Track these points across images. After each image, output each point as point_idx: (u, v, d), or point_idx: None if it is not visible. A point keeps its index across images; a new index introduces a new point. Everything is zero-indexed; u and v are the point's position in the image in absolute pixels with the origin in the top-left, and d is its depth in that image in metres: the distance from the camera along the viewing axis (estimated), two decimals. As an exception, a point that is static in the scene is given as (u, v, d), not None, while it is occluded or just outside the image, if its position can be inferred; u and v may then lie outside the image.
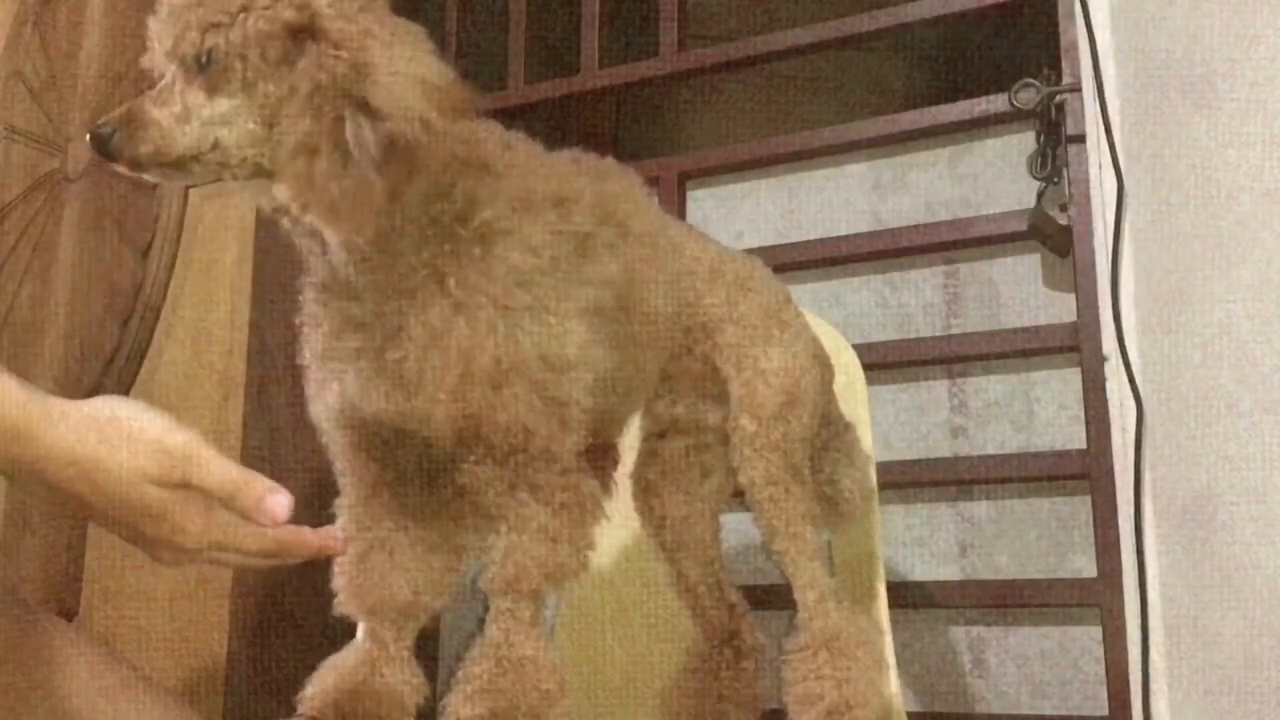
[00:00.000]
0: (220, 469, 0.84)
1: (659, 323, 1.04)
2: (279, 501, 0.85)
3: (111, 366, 1.70)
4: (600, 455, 1.05)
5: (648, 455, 1.20)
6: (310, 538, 0.89)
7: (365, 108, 0.80)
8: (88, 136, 0.83)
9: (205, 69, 0.82)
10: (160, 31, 0.84)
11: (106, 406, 0.83)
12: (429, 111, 0.82)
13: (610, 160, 1.05)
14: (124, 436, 0.81)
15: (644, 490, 1.20)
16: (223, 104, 0.82)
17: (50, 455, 0.80)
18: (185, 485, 0.82)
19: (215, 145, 0.83)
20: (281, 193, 0.83)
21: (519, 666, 0.89)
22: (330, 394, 0.92)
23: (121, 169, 0.84)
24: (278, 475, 1.61)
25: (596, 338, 0.93)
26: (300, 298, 0.94)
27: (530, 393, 0.88)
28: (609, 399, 0.99)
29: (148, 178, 0.86)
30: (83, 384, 1.72)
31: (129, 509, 0.81)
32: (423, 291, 0.87)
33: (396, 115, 0.81)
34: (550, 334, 0.89)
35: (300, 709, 0.94)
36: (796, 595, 1.06)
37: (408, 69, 0.82)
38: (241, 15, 0.81)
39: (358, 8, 0.84)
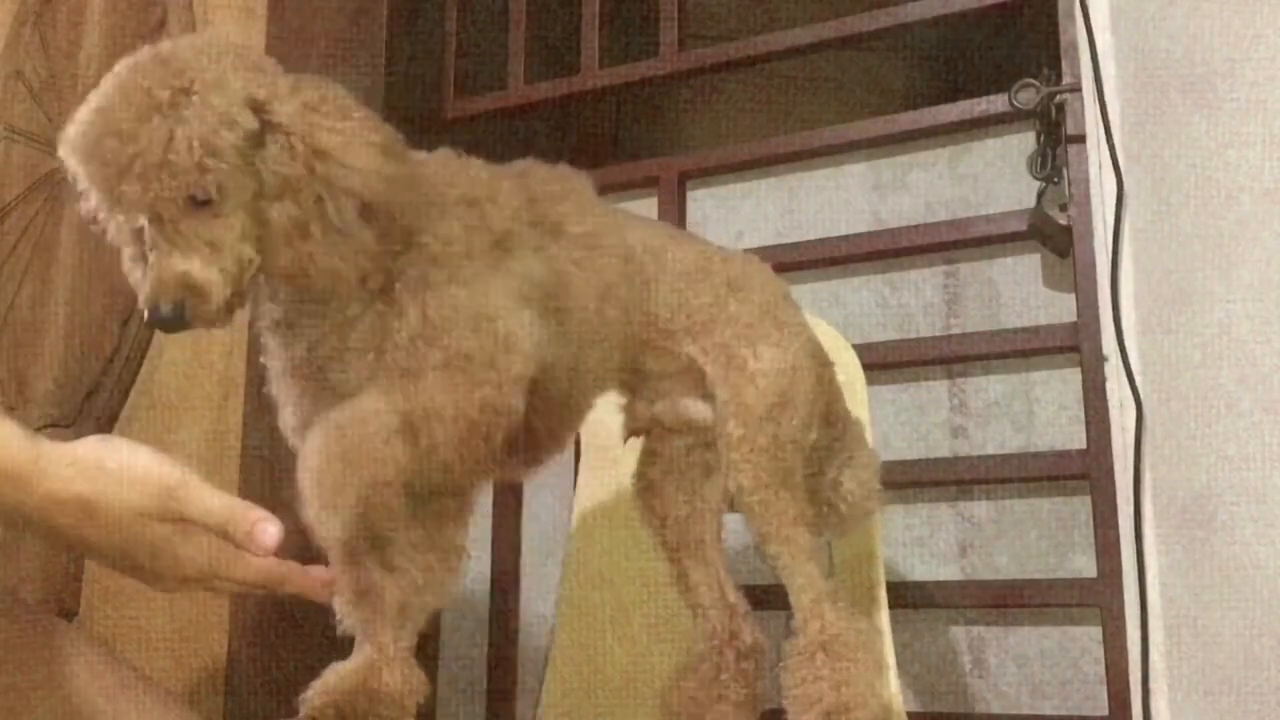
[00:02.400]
0: (212, 500, 0.86)
1: (600, 323, 1.04)
2: (269, 531, 0.87)
3: (111, 366, 1.70)
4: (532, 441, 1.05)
5: (649, 454, 1.19)
6: (299, 576, 0.91)
7: (335, 186, 0.85)
8: (145, 321, 0.84)
9: (207, 200, 0.83)
10: (138, 183, 0.82)
11: (97, 447, 0.85)
12: (384, 167, 0.87)
13: (561, 167, 1.07)
14: (119, 475, 0.83)
15: (646, 489, 1.20)
16: (232, 222, 0.84)
17: (50, 498, 0.81)
18: (181, 518, 0.84)
19: (250, 262, 0.86)
20: (275, 270, 0.87)
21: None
22: (288, 414, 0.96)
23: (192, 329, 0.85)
24: (277, 475, 1.62)
25: (529, 313, 0.95)
26: (261, 338, 0.97)
27: (459, 329, 0.91)
28: (553, 384, 1.00)
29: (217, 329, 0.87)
30: (83, 384, 1.72)
31: (129, 545, 0.83)
32: (359, 319, 0.91)
33: (364, 186, 0.86)
34: (470, 293, 0.92)
35: (301, 710, 0.94)
36: (792, 599, 1.06)
37: (356, 139, 0.87)
38: (212, 136, 0.82)
39: (290, 88, 0.87)
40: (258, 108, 0.85)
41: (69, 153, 0.85)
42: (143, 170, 0.81)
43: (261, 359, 0.97)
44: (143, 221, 0.85)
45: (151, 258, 0.84)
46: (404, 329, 0.90)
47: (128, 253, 0.93)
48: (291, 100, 0.86)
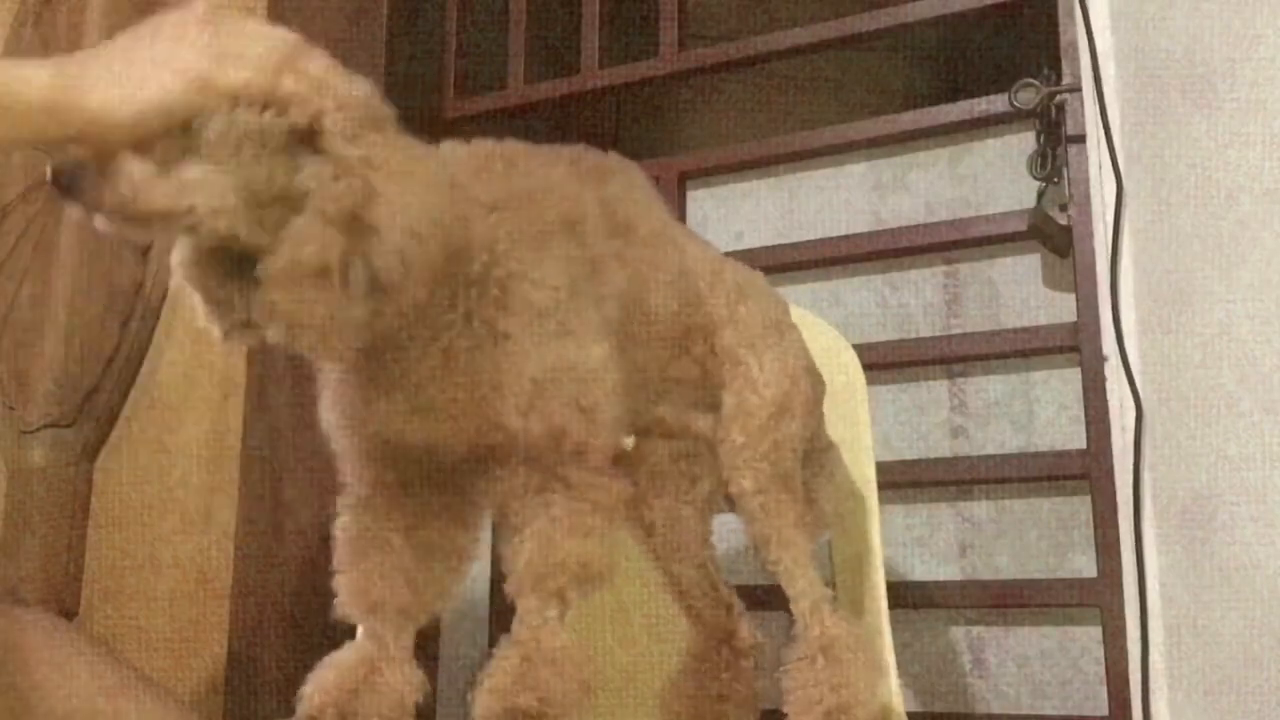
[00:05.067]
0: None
1: (659, 322, 1.04)
2: None
3: (111, 366, 1.70)
4: (622, 456, 1.05)
5: (634, 462, 1.20)
6: None
7: (364, 251, 0.80)
8: (48, 170, 0.79)
9: (194, 131, 0.79)
10: None
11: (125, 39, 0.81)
12: (414, 252, 0.82)
13: (612, 157, 1.06)
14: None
15: (630, 499, 1.20)
16: (206, 169, 0.80)
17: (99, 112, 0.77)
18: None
19: (189, 211, 0.80)
20: (268, 298, 0.81)
21: (551, 660, 0.89)
22: (368, 423, 0.93)
23: (74, 209, 0.80)
24: (277, 475, 1.62)
25: (612, 346, 0.95)
26: None
27: (563, 402, 0.90)
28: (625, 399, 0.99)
29: (99, 222, 0.81)
30: (83, 384, 1.72)
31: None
32: (448, 333, 0.88)
33: (388, 263, 0.81)
34: (578, 348, 0.92)
35: (299, 708, 0.94)
36: (791, 603, 1.06)
37: (406, 205, 0.82)
38: (252, 98, 0.80)
39: (361, 123, 0.82)
40: (318, 123, 0.81)
41: None
42: None
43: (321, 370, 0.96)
44: None
45: None
46: (504, 382, 0.89)
47: None
48: (356, 143, 0.81)
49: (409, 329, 0.88)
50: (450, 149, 0.96)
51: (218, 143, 0.79)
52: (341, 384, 0.94)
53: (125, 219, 0.80)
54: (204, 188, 0.80)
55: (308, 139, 0.81)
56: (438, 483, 0.98)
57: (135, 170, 0.79)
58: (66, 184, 0.79)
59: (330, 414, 0.96)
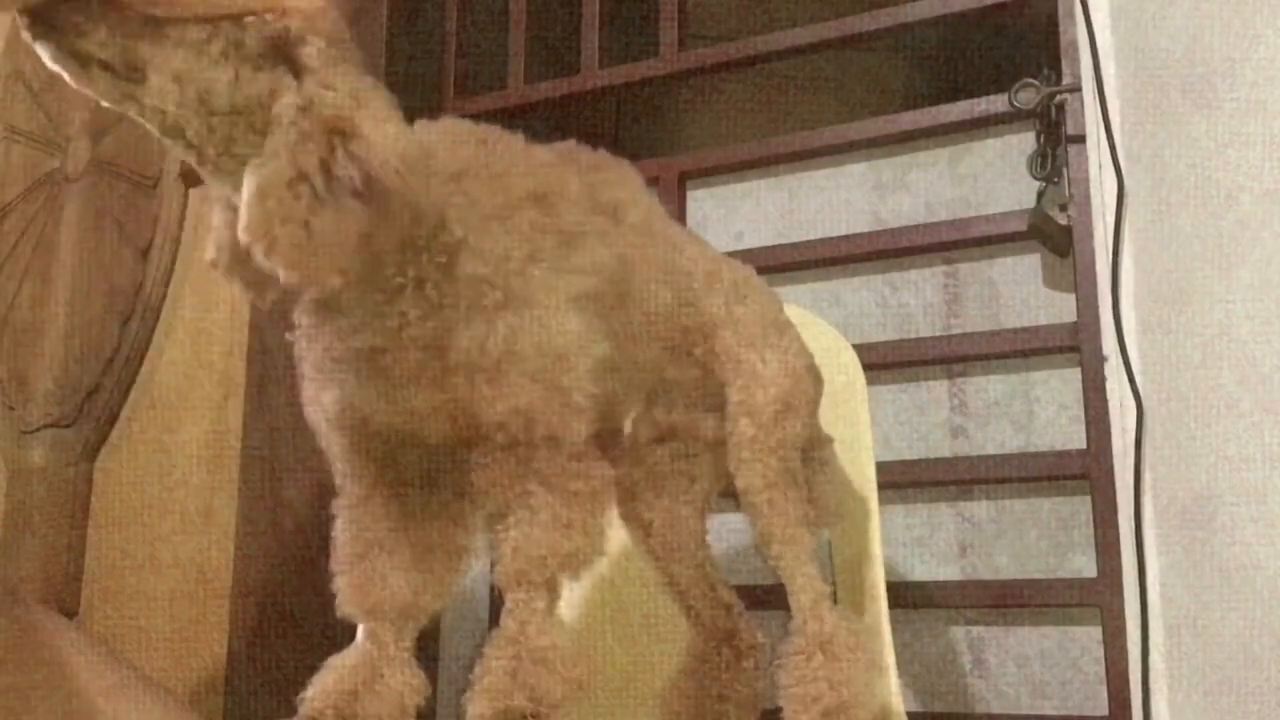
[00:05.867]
0: None
1: (658, 319, 1.04)
2: None
3: (111, 366, 1.70)
4: (610, 441, 1.05)
5: (632, 461, 1.19)
6: None
7: (351, 153, 0.80)
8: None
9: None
10: None
11: None
12: (400, 164, 0.82)
13: (604, 153, 1.05)
14: None
15: (628, 497, 1.20)
16: (165, 41, 0.79)
17: None
18: None
19: (132, 73, 0.79)
20: (245, 223, 0.80)
21: (542, 659, 0.88)
22: (328, 399, 0.93)
23: (24, 25, 0.77)
24: (277, 475, 1.62)
25: (591, 325, 0.94)
26: (295, 315, 0.94)
27: (529, 381, 0.89)
28: (612, 387, 0.99)
29: (42, 50, 0.79)
30: (83, 384, 1.72)
31: None
32: (401, 298, 0.88)
33: (379, 163, 0.80)
34: (539, 324, 0.90)
35: (300, 710, 0.94)
36: (791, 599, 1.06)
37: (385, 124, 0.82)
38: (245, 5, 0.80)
39: (336, 56, 0.84)
40: (297, 47, 0.82)
41: None
42: None
43: (288, 336, 0.95)
44: None
45: None
46: (460, 356, 0.87)
47: None
48: (333, 70, 0.83)
49: (362, 296, 0.87)
50: (422, 126, 0.94)
51: (192, 38, 0.79)
52: (311, 370, 0.94)
53: (65, 53, 0.78)
54: (153, 57, 0.79)
55: (283, 56, 0.82)
56: (435, 482, 0.98)
57: (98, 11, 0.77)
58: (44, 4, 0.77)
59: (313, 409, 0.96)
